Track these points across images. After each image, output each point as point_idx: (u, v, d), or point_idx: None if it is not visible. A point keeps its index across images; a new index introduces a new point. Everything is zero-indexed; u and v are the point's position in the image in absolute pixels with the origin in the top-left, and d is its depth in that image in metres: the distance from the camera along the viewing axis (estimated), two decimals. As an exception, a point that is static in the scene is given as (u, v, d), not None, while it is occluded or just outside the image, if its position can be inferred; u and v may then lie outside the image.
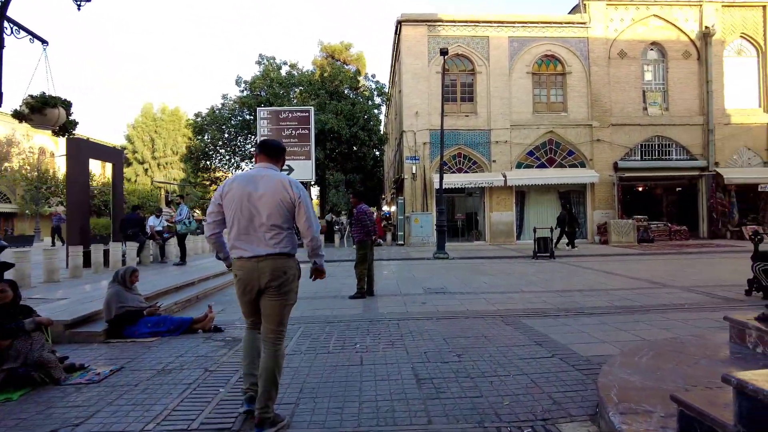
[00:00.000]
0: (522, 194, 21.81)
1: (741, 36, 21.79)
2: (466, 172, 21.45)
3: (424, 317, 6.29)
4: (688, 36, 21.41)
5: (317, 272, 3.37)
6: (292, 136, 17.41)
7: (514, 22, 21.20)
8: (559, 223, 17.54)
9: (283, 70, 25.04)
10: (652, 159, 21.47)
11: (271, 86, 23.48)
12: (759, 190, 21.06)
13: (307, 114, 17.45)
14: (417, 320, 6.12)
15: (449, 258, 15.42)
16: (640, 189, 24.56)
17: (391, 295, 8.28)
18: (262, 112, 17.90)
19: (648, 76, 21.76)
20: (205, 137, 26.61)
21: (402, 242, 21.33)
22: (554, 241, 16.40)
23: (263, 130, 17.58)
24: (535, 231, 15.58)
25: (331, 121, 20.44)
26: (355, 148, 22.85)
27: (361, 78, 24.96)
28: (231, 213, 3.01)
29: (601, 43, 21.23)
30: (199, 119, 26.74)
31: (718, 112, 21.17)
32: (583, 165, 21.50)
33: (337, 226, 24.23)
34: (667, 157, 21.49)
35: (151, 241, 13.79)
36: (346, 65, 30.33)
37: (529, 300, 7.54)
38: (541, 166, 21.50)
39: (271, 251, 2.95)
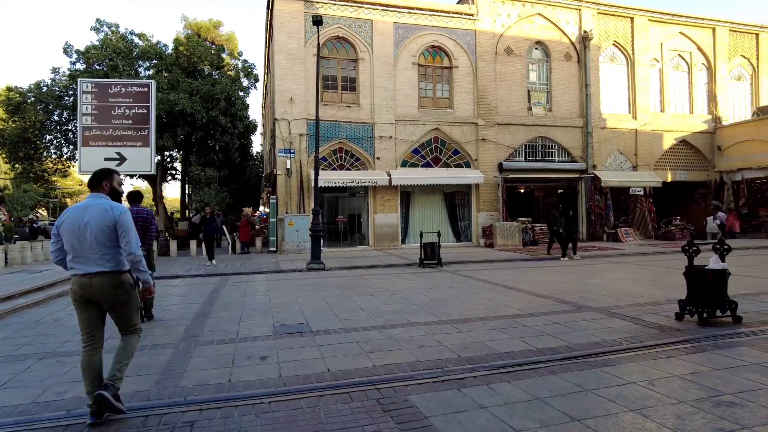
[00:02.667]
0: (407, 195, 20.10)
1: (614, 44, 22.32)
2: (348, 169, 19.16)
3: (247, 400, 3.67)
4: (569, 38, 21.35)
5: (145, 291, 3.92)
6: (125, 117, 13.58)
7: (400, 7, 19.38)
8: (550, 225, 15.52)
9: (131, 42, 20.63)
10: (536, 160, 21.06)
11: (111, 59, 19.05)
12: (630, 193, 21.68)
13: (146, 89, 13.77)
14: (233, 408, 3.50)
15: (325, 269, 12.94)
16: (522, 190, 24.36)
17: (218, 343, 5.51)
18: (85, 84, 13.78)
19: (533, 76, 21.32)
20: (27, 118, 21.17)
21: (275, 249, 18.39)
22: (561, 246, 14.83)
23: (86, 107, 13.51)
24: (421, 236, 13.78)
25: (183, 102, 16.74)
26: (217, 136, 19.26)
27: (226, 56, 21.42)
28: (66, 239, 3.45)
29: (489, 38, 20.29)
30: (15, 95, 21.19)
31: (596, 115, 21.40)
32: (468, 165, 20.40)
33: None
34: (550, 158, 21.24)
35: None
36: (215, 46, 26.38)
37: (419, 342, 5.30)
38: (427, 165, 19.98)
39: (100, 269, 3.40)
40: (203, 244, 15.28)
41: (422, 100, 20.03)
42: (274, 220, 18.50)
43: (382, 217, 19.35)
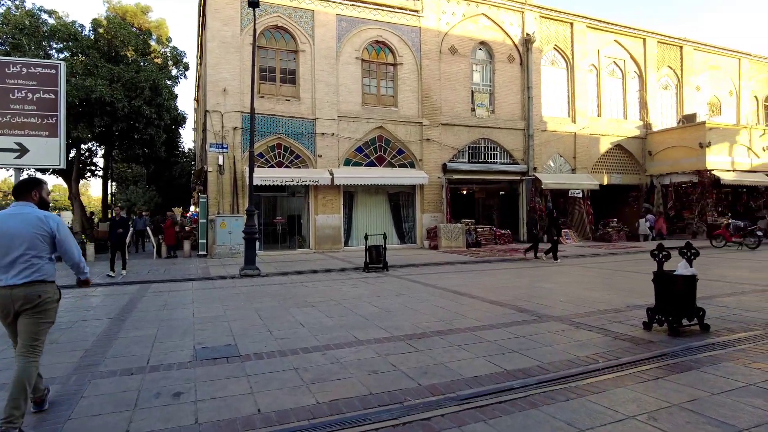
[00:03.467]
0: (351, 195, 19.26)
1: (554, 48, 22.65)
2: (287, 167, 18.03)
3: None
4: (512, 40, 21.38)
5: (83, 283, 3.79)
6: (27, 101, 11.75)
7: (343, -2, 18.53)
8: (530, 228, 15.24)
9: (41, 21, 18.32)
10: (479, 162, 20.90)
11: (14, 36, 16.78)
12: (569, 195, 22.05)
13: (54, 71, 12.02)
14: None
15: (261, 275, 11.84)
16: (464, 192, 24.24)
17: (122, 374, 4.42)
18: (-24, 61, 11.87)
19: (476, 77, 21.15)
20: None
21: (205, 252, 16.92)
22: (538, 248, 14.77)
23: (-23, 88, 11.63)
24: (366, 238, 13.02)
25: (102, 89, 14.94)
26: (141, 128, 17.41)
27: (153, 42, 19.58)
28: None
29: (433, 36, 19.88)
30: None
31: (537, 118, 21.57)
32: (412, 165, 19.88)
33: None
34: (492, 160, 21.15)
35: None
36: (141, 32, 24.21)
37: (370, 366, 4.50)
38: (371, 164, 19.25)
39: (26, 280, 3.26)
40: (111, 251, 12.22)
41: (366, 96, 19.28)
42: (205, 221, 17.04)
43: (323, 218, 18.39)
